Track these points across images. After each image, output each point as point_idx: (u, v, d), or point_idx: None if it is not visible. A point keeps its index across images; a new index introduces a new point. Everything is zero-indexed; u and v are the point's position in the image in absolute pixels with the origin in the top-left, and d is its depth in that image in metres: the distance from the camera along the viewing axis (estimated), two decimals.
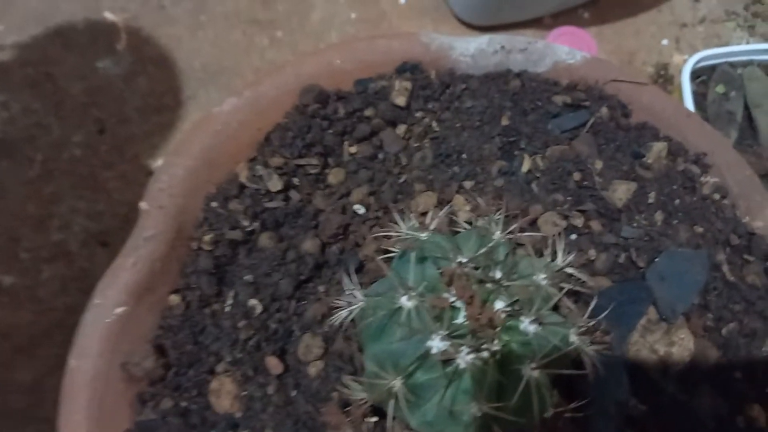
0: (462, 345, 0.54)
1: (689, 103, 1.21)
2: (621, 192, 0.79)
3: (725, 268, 0.76)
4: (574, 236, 0.77)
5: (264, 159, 0.78)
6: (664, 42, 1.45)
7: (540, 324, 0.55)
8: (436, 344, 0.54)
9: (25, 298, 1.07)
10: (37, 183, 1.13)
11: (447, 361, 0.54)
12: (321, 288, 0.74)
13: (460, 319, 0.56)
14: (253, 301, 0.71)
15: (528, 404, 0.56)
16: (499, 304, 0.56)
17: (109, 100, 1.20)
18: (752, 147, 1.21)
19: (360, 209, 0.77)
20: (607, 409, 0.67)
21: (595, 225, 0.77)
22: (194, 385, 0.68)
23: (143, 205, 0.73)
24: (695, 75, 1.27)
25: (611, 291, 0.74)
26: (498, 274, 0.57)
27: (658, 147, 0.83)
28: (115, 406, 0.66)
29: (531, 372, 0.55)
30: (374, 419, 0.60)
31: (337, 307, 0.63)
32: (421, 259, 0.61)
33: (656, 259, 0.76)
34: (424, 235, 0.61)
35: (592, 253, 0.76)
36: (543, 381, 0.55)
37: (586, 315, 0.63)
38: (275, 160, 0.77)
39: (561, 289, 0.59)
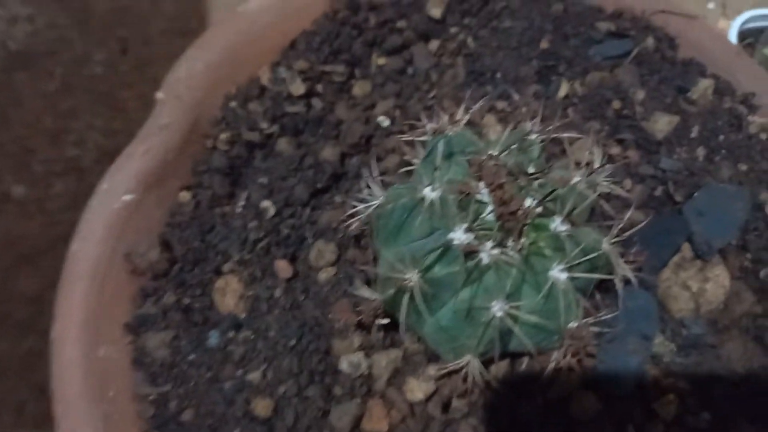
0: (487, 238, 0.50)
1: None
2: (662, 124, 0.74)
3: None
4: (609, 166, 0.72)
5: (288, 63, 0.74)
6: (710, 6, 1.39)
7: (572, 224, 0.51)
8: (459, 236, 0.50)
9: (35, 209, 1.05)
10: (54, 97, 1.11)
11: (469, 255, 0.50)
12: (338, 198, 0.70)
13: (488, 214, 0.51)
14: (265, 203, 0.68)
15: (553, 310, 0.52)
16: (530, 201, 0.52)
17: (134, 21, 1.18)
18: None
19: (384, 122, 0.73)
20: (633, 341, 0.63)
21: (633, 155, 0.73)
22: (199, 282, 0.65)
23: (159, 94, 0.70)
24: (742, 37, 1.21)
25: (647, 223, 0.69)
26: (531, 169, 0.53)
27: (705, 84, 0.78)
28: (115, 296, 0.63)
29: (559, 274, 0.51)
30: (385, 321, 0.56)
31: (354, 213, 0.60)
32: (449, 155, 0.57)
33: (695, 194, 0.71)
34: (452, 132, 0.57)
35: (627, 183, 0.71)
36: (570, 286, 0.51)
37: (616, 235, 0.59)
38: (300, 63, 0.74)
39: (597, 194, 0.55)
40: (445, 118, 0.57)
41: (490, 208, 0.51)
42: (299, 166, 0.70)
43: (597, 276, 0.53)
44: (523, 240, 0.51)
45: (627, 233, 0.67)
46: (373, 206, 0.57)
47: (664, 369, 0.65)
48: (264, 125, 0.71)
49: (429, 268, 0.51)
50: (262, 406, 0.60)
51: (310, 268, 0.66)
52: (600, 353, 0.63)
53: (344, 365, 0.60)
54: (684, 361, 0.65)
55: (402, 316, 0.53)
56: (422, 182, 0.52)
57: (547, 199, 0.52)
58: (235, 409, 0.60)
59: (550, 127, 0.57)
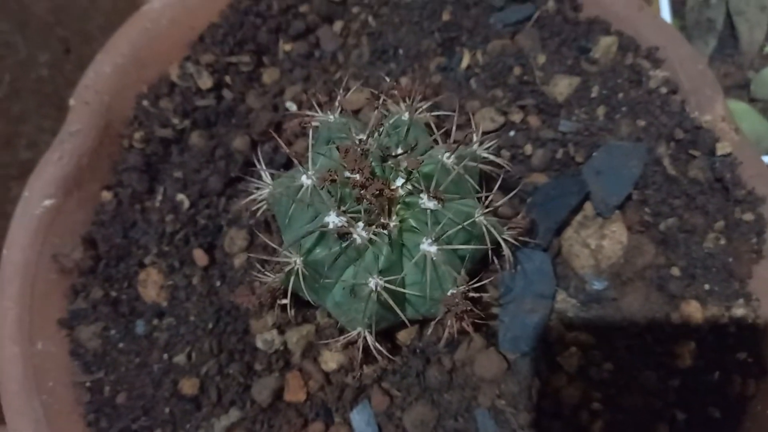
0: (358, 220, 0.54)
1: (666, 10, 1.15)
2: (562, 86, 0.76)
3: (666, 162, 0.74)
4: (512, 133, 0.75)
5: (195, 57, 0.77)
6: None
7: (440, 201, 0.54)
8: (333, 219, 0.53)
9: None
10: (4, 102, 1.14)
11: (344, 236, 0.54)
12: (248, 187, 0.74)
13: (357, 200, 0.55)
14: (181, 196, 0.72)
15: (430, 281, 0.55)
16: (399, 182, 0.56)
17: (73, 19, 1.20)
18: (732, 57, 1.16)
19: (292, 106, 0.76)
20: (531, 301, 0.67)
21: (534, 120, 0.75)
22: (124, 276, 0.69)
23: (71, 101, 0.73)
24: None
25: (545, 187, 0.72)
26: (398, 150, 0.56)
27: (607, 41, 0.80)
28: (48, 295, 0.68)
29: (429, 247, 0.54)
30: (284, 301, 0.60)
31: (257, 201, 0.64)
32: (328, 141, 0.60)
33: (594, 154, 0.74)
34: (331, 118, 0.61)
35: (528, 148, 0.74)
36: (442, 258, 0.55)
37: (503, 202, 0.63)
38: (206, 57, 0.77)
39: (477, 171, 0.59)
40: (336, 102, 0.60)
41: (360, 191, 0.55)
42: (212, 157, 0.74)
43: (469, 247, 0.56)
44: (393, 218, 0.55)
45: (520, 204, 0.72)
46: (264, 194, 0.61)
47: (567, 324, 0.69)
48: (176, 121, 0.75)
49: (309, 251, 0.56)
50: (188, 386, 0.65)
51: (226, 255, 0.70)
52: (500, 314, 0.67)
53: (259, 343, 0.65)
54: (586, 315, 0.69)
55: (307, 295, 0.58)
56: (299, 171, 0.56)
57: (411, 178, 0.55)
58: (164, 390, 0.65)
59: (424, 105, 0.60)
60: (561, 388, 0.65)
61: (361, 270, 0.55)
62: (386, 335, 0.66)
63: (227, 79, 0.77)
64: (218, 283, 0.68)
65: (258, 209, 0.64)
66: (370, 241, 0.54)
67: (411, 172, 0.55)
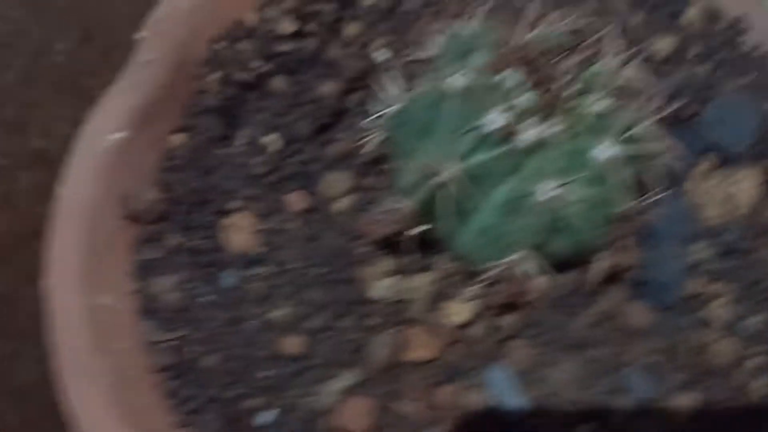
0: (525, 118, 0.47)
1: None
2: (663, 44, 0.74)
3: None
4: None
5: (275, 2, 0.71)
6: None
7: (611, 99, 0.48)
8: (496, 118, 0.46)
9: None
10: (15, 88, 1.03)
11: (507, 138, 0.47)
12: (342, 135, 0.66)
13: (522, 96, 0.48)
14: (267, 138, 0.63)
15: (599, 193, 0.49)
16: (565, 78, 0.49)
17: (95, 9, 1.12)
18: None
19: (382, 56, 0.70)
20: (673, 247, 0.61)
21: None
22: (204, 224, 0.60)
23: (140, 34, 0.66)
24: None
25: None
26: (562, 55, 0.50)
27: (693, 11, 0.78)
28: (113, 242, 0.58)
29: (603, 151, 0.48)
30: (421, 228, 0.52)
31: (366, 137, 0.57)
32: (465, 52, 0.53)
33: (705, 108, 0.70)
34: (469, 29, 0.54)
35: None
36: (616, 164, 0.48)
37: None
38: (287, 3, 0.70)
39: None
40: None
41: (523, 90, 0.48)
42: (298, 102, 0.66)
43: (641, 153, 0.50)
44: (562, 118, 0.48)
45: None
46: (394, 112, 0.53)
47: (708, 276, 0.62)
48: (256, 64, 0.67)
49: (466, 158, 0.48)
50: (290, 345, 0.55)
51: (325, 199, 0.61)
52: (641, 264, 0.60)
53: (376, 292, 0.56)
54: (725, 267, 0.63)
55: (441, 225, 0.50)
56: (445, 72, 0.49)
57: (578, 78, 0.49)
58: (262, 350, 0.54)
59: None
60: (710, 344, 0.58)
61: (525, 177, 0.48)
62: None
63: (309, 27, 0.71)
64: (320, 228, 0.59)
65: (366, 145, 0.57)
66: (536, 144, 0.47)
67: (577, 73, 0.49)
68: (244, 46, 0.68)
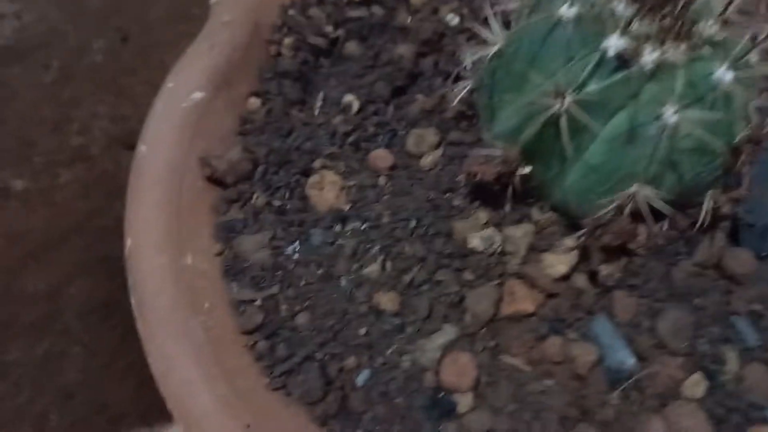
0: (645, 42, 0.45)
1: None
2: None
3: None
4: None
5: None
6: None
7: (725, 25, 0.47)
8: (614, 42, 0.44)
9: (39, 202, 0.94)
10: (53, 87, 1.02)
11: (627, 63, 0.45)
12: (419, 96, 0.65)
13: (637, 22, 0.46)
14: (348, 98, 0.62)
15: (720, 120, 0.46)
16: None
17: (131, 10, 1.11)
18: None
19: (454, 20, 0.69)
20: None
21: None
22: (288, 183, 0.57)
23: None
24: None
25: None
26: None
27: None
28: (196, 202, 0.55)
29: (724, 74, 0.46)
30: (527, 169, 0.49)
31: (449, 93, 0.55)
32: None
33: None
34: None
35: None
36: (737, 90, 0.46)
37: None
38: None
39: None
40: None
41: (637, 16, 0.46)
42: (374, 63, 0.65)
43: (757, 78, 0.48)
44: (678, 44, 0.46)
45: None
46: (494, 53, 0.51)
47: None
48: (329, 29, 0.66)
49: (582, 87, 0.46)
50: (387, 300, 0.51)
51: (411, 156, 0.59)
52: (740, 209, 0.58)
53: (475, 242, 0.53)
54: None
55: (546, 165, 0.47)
56: (554, 3, 0.48)
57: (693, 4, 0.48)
58: (357, 306, 0.51)
59: None
60: None
61: (643, 105, 0.45)
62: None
63: None
64: (410, 183, 0.57)
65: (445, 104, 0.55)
66: (656, 70, 0.45)
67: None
68: (315, 12, 0.67)
